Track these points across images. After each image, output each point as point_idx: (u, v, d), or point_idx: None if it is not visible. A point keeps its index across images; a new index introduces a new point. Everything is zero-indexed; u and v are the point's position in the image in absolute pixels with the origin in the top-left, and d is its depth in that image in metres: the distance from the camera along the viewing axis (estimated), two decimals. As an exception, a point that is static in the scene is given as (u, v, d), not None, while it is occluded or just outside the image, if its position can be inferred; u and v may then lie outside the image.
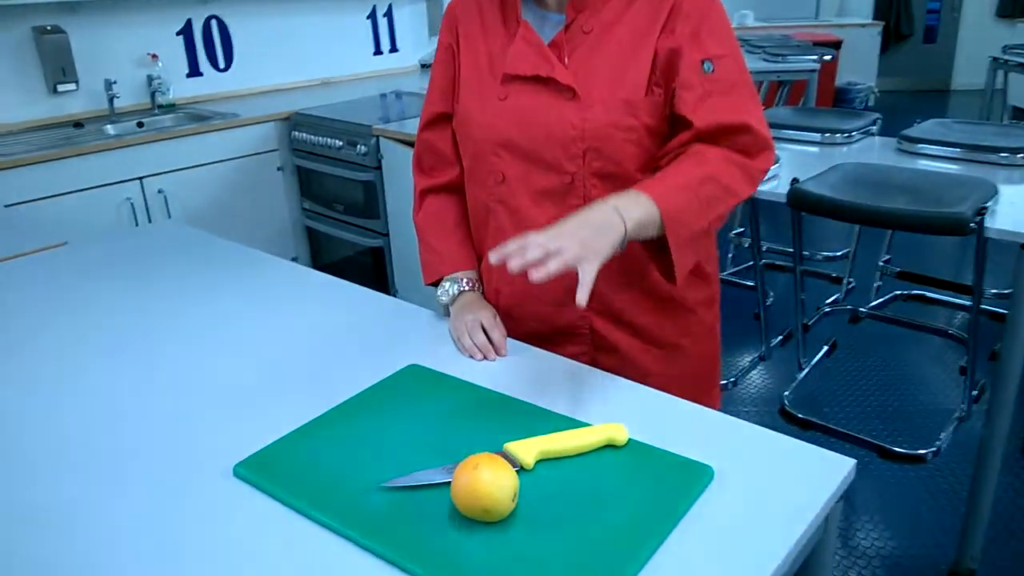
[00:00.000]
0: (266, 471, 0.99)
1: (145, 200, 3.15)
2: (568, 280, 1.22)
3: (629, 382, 1.18)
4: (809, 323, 2.83)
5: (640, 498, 0.91)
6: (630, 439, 1.01)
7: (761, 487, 0.94)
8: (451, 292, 1.36)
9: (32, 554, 0.90)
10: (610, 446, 1.01)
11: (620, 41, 1.20)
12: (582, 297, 1.01)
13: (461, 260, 1.39)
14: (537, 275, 0.99)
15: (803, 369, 2.74)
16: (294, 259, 3.68)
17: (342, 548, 0.88)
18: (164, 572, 0.86)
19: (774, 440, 1.04)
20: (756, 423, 1.07)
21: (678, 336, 1.35)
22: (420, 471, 0.97)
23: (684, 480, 0.94)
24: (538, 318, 1.32)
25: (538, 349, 1.28)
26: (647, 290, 1.30)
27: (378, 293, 1.53)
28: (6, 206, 2.66)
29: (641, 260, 1.25)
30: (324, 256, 3.71)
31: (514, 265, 1.01)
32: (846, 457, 0.98)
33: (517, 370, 1.23)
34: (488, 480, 0.86)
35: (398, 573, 0.84)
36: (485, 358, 1.25)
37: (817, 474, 0.96)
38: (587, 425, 1.05)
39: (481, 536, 0.87)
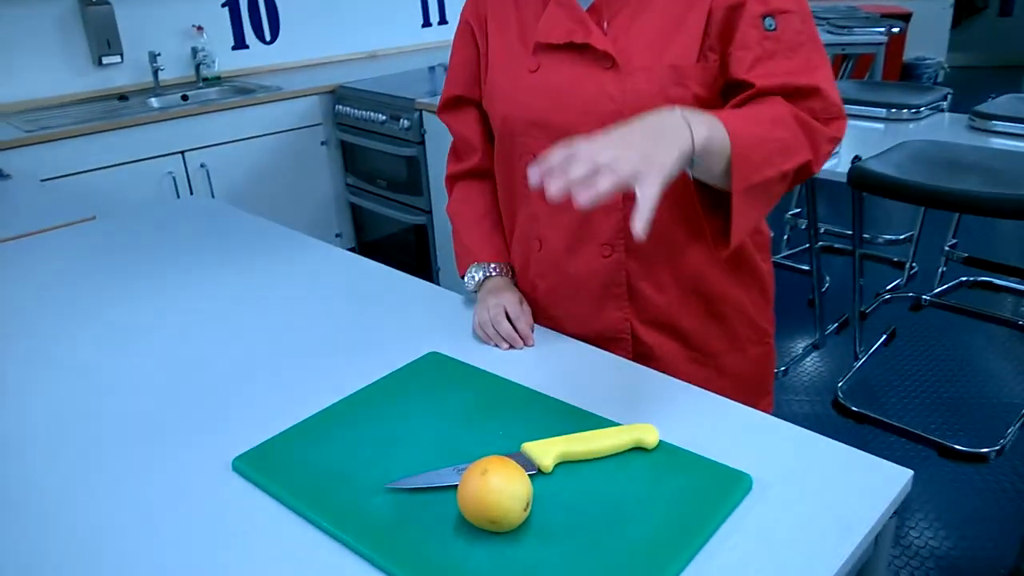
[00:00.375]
0: (265, 466, 0.93)
1: (187, 174, 3.13)
2: (608, 274, 1.14)
3: (663, 376, 1.09)
4: (867, 310, 2.69)
5: (668, 509, 0.83)
6: (661, 441, 0.92)
7: (806, 499, 0.85)
8: (477, 277, 1.27)
9: (19, 545, 0.85)
10: (638, 449, 0.92)
11: (668, 1, 1.07)
12: (640, 225, 0.80)
13: (490, 250, 1.29)
14: (584, 197, 0.81)
15: (859, 359, 2.61)
16: (338, 235, 3.65)
17: (338, 553, 0.81)
18: (148, 567, 0.80)
19: (822, 446, 0.93)
20: (807, 414, 0.99)
21: (727, 342, 1.22)
22: (429, 471, 0.89)
23: (719, 489, 0.85)
24: (576, 319, 1.21)
25: (567, 337, 1.19)
26: (695, 290, 1.17)
27: (407, 276, 1.45)
28: (43, 180, 2.66)
29: (691, 259, 1.14)
30: (368, 234, 3.66)
31: (554, 188, 0.82)
32: (903, 468, 0.88)
33: (543, 360, 1.15)
34: (497, 488, 0.78)
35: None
36: (512, 347, 1.16)
37: (870, 485, 0.86)
38: (615, 425, 0.96)
39: (489, 548, 0.79)
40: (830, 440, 0.94)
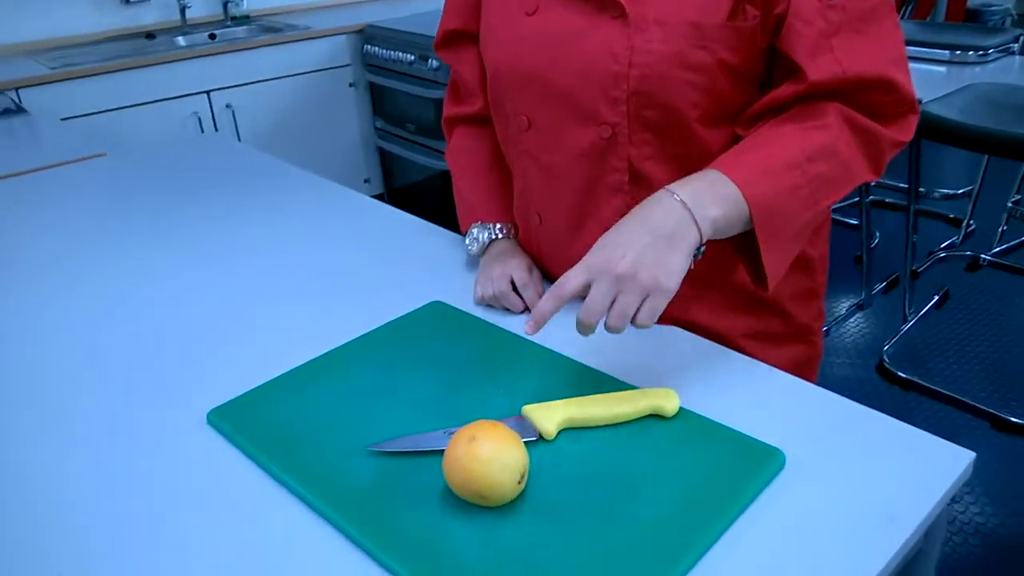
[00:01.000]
0: (241, 421, 0.84)
1: (212, 114, 3.05)
2: None
3: (686, 334, 0.97)
4: (919, 269, 2.52)
5: (686, 487, 0.72)
6: (681, 409, 0.81)
7: (847, 482, 0.73)
8: (480, 239, 1.12)
9: (-33, 503, 0.77)
10: (656, 416, 0.81)
11: None
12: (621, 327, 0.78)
13: (494, 208, 1.14)
14: (588, 333, 0.79)
15: (908, 321, 2.46)
16: (366, 181, 3.55)
17: (310, 518, 0.72)
18: (114, 521, 0.72)
19: (869, 420, 0.81)
20: (848, 378, 0.89)
21: (756, 341, 1.04)
22: (417, 434, 0.79)
23: (745, 467, 0.74)
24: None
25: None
26: (728, 287, 1.01)
27: (425, 223, 1.34)
28: (64, 119, 2.59)
29: (713, 245, 0.98)
30: (397, 180, 3.56)
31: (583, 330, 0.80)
32: (964, 449, 0.76)
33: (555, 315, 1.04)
34: (487, 457, 0.68)
35: (366, 558, 0.67)
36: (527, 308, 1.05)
37: (923, 468, 0.74)
38: (630, 388, 0.85)
39: (477, 524, 0.69)
40: (879, 414, 0.82)
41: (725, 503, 0.70)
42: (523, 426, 0.78)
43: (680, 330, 0.98)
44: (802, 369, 1.08)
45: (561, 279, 0.77)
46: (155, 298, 1.13)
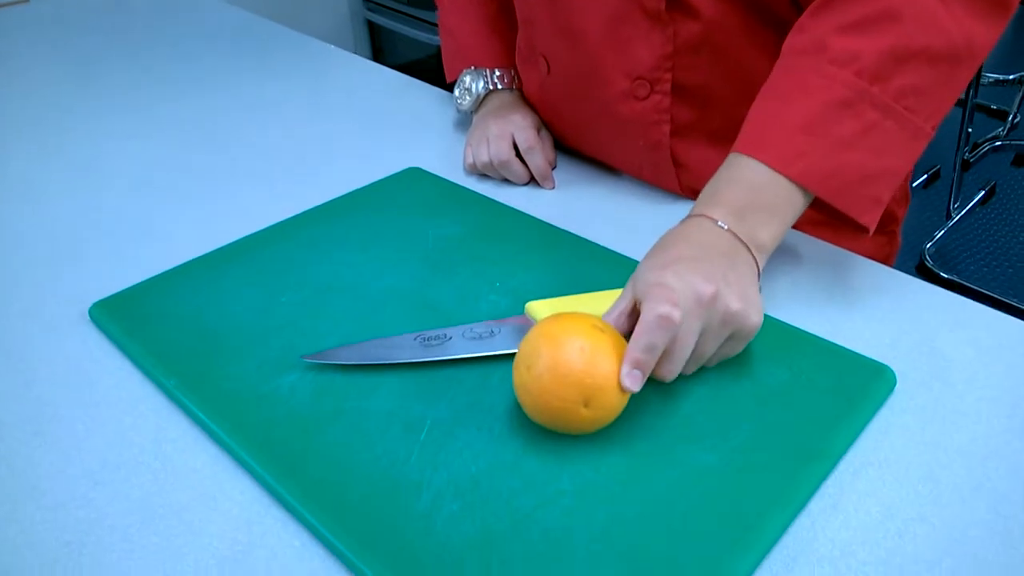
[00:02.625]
0: (132, 318, 0.61)
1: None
2: (643, 126, 0.72)
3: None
4: (970, 158, 2.26)
5: (767, 420, 0.50)
6: (744, 309, 0.58)
7: (983, 405, 0.51)
8: (474, 90, 0.86)
9: None
10: (708, 318, 0.58)
11: None
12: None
13: (492, 53, 0.88)
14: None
15: (952, 218, 2.21)
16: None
17: (216, 455, 0.50)
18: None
19: (1011, 328, 0.59)
20: None
21: (829, 229, 0.77)
22: (377, 339, 0.57)
23: (843, 388, 0.51)
24: (611, 159, 0.82)
25: (608, 170, 0.83)
26: None
27: (397, 73, 1.09)
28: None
29: None
30: (387, 57, 3.24)
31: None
32: None
33: (565, 184, 0.80)
34: (608, 365, 0.47)
35: (293, 520, 0.46)
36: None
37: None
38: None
39: (465, 472, 0.47)
40: (1007, 317, 0.60)
41: (823, 440, 0.48)
42: (526, 330, 0.55)
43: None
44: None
45: (618, 300, 0.52)
46: (64, 169, 0.88)
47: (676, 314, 0.46)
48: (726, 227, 0.53)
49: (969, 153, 2.24)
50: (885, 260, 0.88)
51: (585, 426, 0.47)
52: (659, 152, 0.73)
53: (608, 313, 0.51)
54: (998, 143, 2.48)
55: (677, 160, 0.74)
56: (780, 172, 0.54)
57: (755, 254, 0.54)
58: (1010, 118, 2.77)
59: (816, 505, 0.46)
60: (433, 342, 0.56)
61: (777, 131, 0.55)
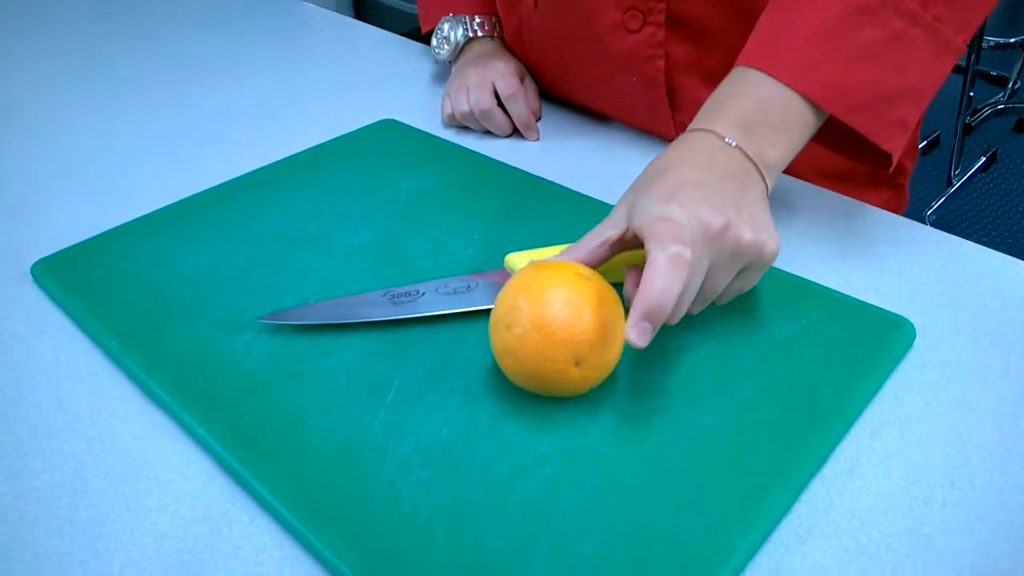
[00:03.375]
0: (77, 276, 0.55)
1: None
2: (637, 61, 0.67)
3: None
4: (972, 122, 2.20)
5: (777, 376, 0.44)
6: (747, 258, 0.53)
7: (1012, 360, 0.46)
8: (452, 39, 0.80)
9: None
10: (707, 269, 0.53)
11: None
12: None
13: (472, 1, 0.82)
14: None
15: (953, 184, 2.16)
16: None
17: (163, 423, 0.45)
18: None
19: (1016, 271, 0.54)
20: None
21: (844, 183, 0.74)
22: (339, 297, 0.51)
23: (858, 342, 0.46)
24: (602, 104, 0.76)
25: (596, 120, 0.77)
26: None
27: (369, 27, 1.03)
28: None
29: None
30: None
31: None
32: None
33: (550, 135, 0.74)
34: (599, 318, 0.41)
35: (231, 483, 0.41)
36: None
37: None
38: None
39: (437, 443, 0.42)
40: (1039, 266, 0.55)
41: (837, 398, 0.43)
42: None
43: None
44: None
45: (603, 225, 0.46)
46: (13, 123, 0.82)
47: (688, 254, 0.40)
48: (734, 143, 0.47)
49: (971, 117, 2.19)
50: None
51: (575, 387, 0.42)
52: (654, 91, 0.67)
53: (588, 241, 0.45)
54: (1000, 106, 2.43)
55: (674, 100, 0.68)
56: (790, 87, 0.48)
57: (764, 175, 0.48)
58: (1010, 84, 2.71)
59: (831, 470, 0.41)
60: (403, 299, 0.50)
61: (787, 40, 0.49)
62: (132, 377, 0.47)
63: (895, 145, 0.51)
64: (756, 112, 0.49)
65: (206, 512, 0.40)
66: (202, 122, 0.79)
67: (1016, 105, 2.50)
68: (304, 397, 0.44)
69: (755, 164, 0.48)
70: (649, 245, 0.41)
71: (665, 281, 0.39)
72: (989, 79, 2.89)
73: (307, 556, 0.38)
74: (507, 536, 0.36)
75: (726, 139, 0.48)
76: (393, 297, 0.50)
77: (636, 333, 0.39)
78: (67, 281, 0.55)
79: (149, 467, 0.43)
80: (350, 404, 0.44)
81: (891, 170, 0.54)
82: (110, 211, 0.64)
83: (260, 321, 0.49)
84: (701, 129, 0.49)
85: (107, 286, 0.54)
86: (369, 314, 0.49)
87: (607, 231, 0.45)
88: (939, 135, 2.40)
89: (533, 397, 0.44)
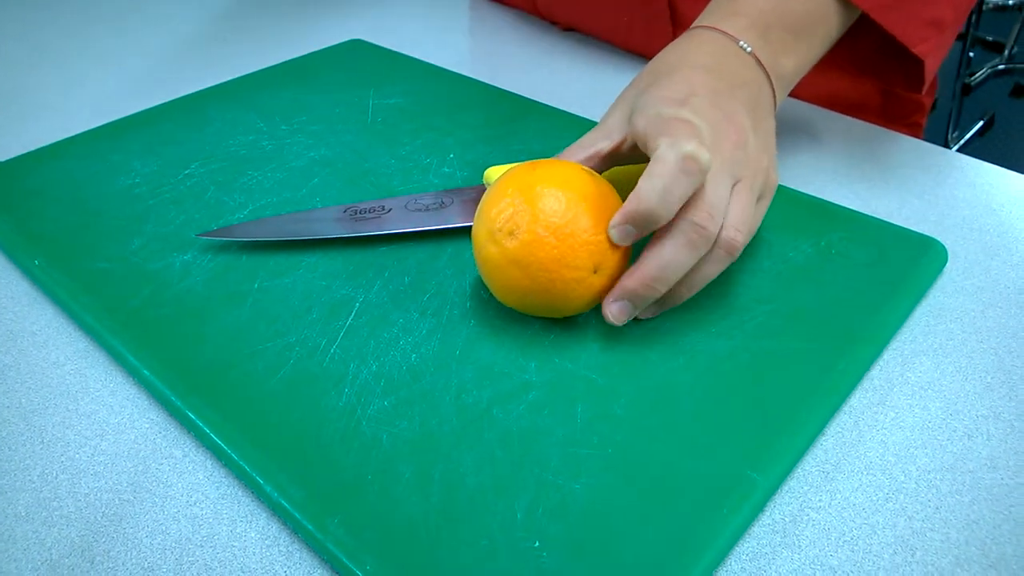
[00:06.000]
0: (2, 195, 0.49)
1: None
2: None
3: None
4: (972, 82, 2.15)
5: (792, 297, 0.39)
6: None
7: (1061, 294, 0.41)
8: None
9: None
10: (712, 187, 0.47)
11: None
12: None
13: None
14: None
15: (951, 147, 2.11)
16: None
17: (84, 349, 0.39)
18: None
19: (1067, 199, 0.49)
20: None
21: (855, 115, 0.69)
22: (290, 213, 0.45)
23: (884, 263, 0.41)
24: (604, 32, 0.69)
25: (586, 41, 0.71)
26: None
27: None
28: None
29: None
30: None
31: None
32: None
33: (536, 57, 0.68)
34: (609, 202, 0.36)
35: (163, 413, 0.35)
36: None
37: None
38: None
39: (411, 374, 0.36)
40: (1080, 189, 0.49)
41: (864, 322, 0.37)
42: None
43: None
44: None
45: (594, 134, 0.40)
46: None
47: (705, 157, 0.34)
48: (749, 49, 0.41)
49: (969, 78, 2.14)
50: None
51: (591, 299, 0.36)
52: (654, 2, 0.61)
53: (575, 152, 0.39)
54: (1000, 67, 2.38)
55: (676, 15, 0.62)
56: None
57: (775, 88, 0.42)
58: (1007, 50, 2.67)
59: (859, 401, 0.35)
60: (367, 215, 0.44)
61: None
62: (55, 299, 0.41)
63: (927, 48, 0.45)
64: (774, 11, 0.43)
65: (132, 447, 0.34)
66: (150, 38, 0.72)
67: (1016, 66, 2.45)
68: (249, 320, 0.38)
69: (768, 75, 0.42)
70: (657, 142, 0.35)
71: (668, 183, 0.33)
72: (986, 45, 2.84)
73: (248, 494, 0.32)
74: (485, 471, 0.31)
75: (740, 43, 0.42)
76: (355, 214, 0.44)
77: (617, 234, 0.34)
78: (-10, 199, 0.48)
79: (69, 397, 0.37)
80: (303, 328, 0.38)
81: (924, 90, 0.48)
82: (42, 131, 0.57)
83: (200, 238, 0.43)
84: (711, 27, 0.43)
85: (33, 205, 0.47)
86: (326, 230, 0.43)
87: (599, 141, 0.39)
88: (937, 99, 2.35)
89: (517, 319, 0.38)
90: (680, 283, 0.35)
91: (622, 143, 0.39)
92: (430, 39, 0.71)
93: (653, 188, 0.33)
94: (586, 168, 0.37)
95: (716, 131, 0.36)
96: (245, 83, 0.61)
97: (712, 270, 0.36)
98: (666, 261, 0.34)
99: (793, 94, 0.61)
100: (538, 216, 0.34)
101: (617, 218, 0.34)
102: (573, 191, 0.35)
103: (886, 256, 0.41)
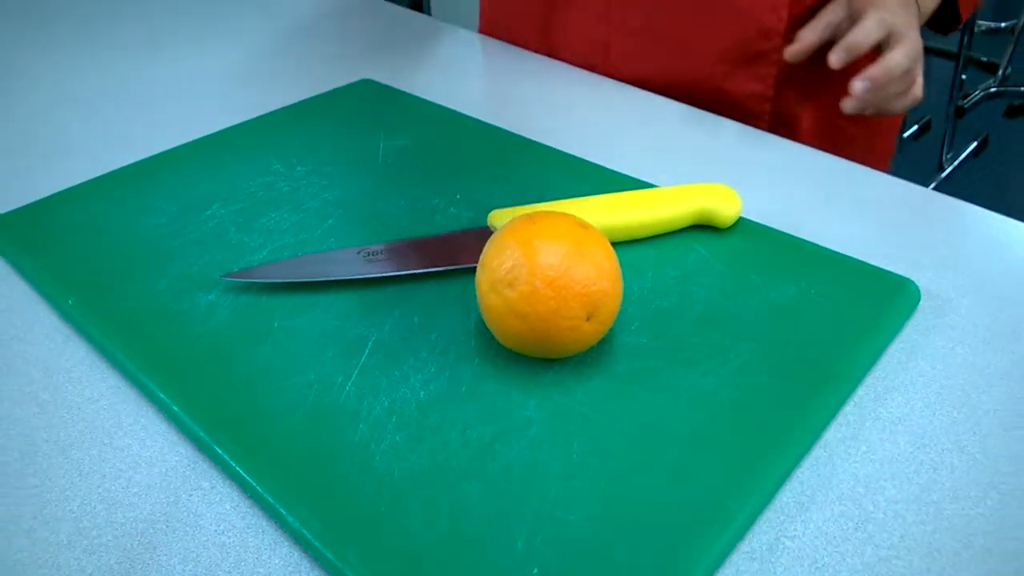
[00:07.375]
0: (34, 235, 0.52)
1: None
2: (744, 25, 0.67)
3: (724, 119, 0.66)
4: (965, 105, 2.18)
5: (773, 335, 0.42)
6: (742, 219, 0.50)
7: (1022, 324, 0.44)
8: None
9: None
10: (706, 227, 0.50)
11: None
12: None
13: None
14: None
15: (944, 169, 2.14)
16: None
17: (116, 386, 0.42)
18: None
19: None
20: None
21: (825, 139, 0.74)
22: (306, 255, 0.48)
23: (860, 303, 0.44)
24: (692, 85, 0.72)
25: (590, 82, 0.74)
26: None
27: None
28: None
29: None
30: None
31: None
32: None
33: (546, 94, 0.71)
34: (606, 265, 0.39)
35: (192, 448, 0.38)
36: None
37: None
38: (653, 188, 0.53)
39: (415, 408, 0.39)
40: (1048, 229, 0.52)
41: (840, 361, 0.40)
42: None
43: (733, 123, 0.66)
44: (884, 150, 0.81)
45: (826, 13, 0.64)
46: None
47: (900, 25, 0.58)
48: None
49: (963, 100, 2.17)
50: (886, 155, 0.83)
51: (584, 343, 0.39)
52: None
53: (816, 24, 0.61)
54: (993, 89, 2.42)
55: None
56: None
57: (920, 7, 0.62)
58: (1000, 71, 2.71)
59: (833, 435, 0.38)
60: (379, 256, 0.47)
61: None
62: (88, 338, 0.44)
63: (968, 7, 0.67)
64: None
65: (164, 479, 0.37)
66: (170, 80, 0.75)
67: (1009, 89, 2.49)
68: (271, 358, 0.41)
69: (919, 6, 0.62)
70: (867, 11, 0.57)
71: (868, 30, 0.57)
72: (980, 65, 2.88)
73: (272, 524, 0.35)
74: (488, 503, 0.34)
75: None
76: (367, 255, 0.47)
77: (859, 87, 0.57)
78: (21, 239, 0.51)
79: (104, 431, 0.40)
80: (320, 365, 0.41)
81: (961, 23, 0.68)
82: (70, 170, 0.61)
83: (224, 279, 0.46)
84: None
85: (64, 244, 0.51)
86: (341, 272, 0.46)
87: (829, 16, 0.61)
88: (930, 120, 2.39)
89: (518, 358, 0.41)
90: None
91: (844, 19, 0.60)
92: (439, 79, 0.74)
93: (862, 27, 0.58)
94: (580, 220, 0.40)
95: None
96: (261, 124, 0.64)
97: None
98: (896, 61, 0.56)
99: (778, 130, 0.65)
100: (535, 270, 0.37)
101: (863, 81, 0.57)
102: (568, 244, 0.38)
103: (863, 297, 0.44)
